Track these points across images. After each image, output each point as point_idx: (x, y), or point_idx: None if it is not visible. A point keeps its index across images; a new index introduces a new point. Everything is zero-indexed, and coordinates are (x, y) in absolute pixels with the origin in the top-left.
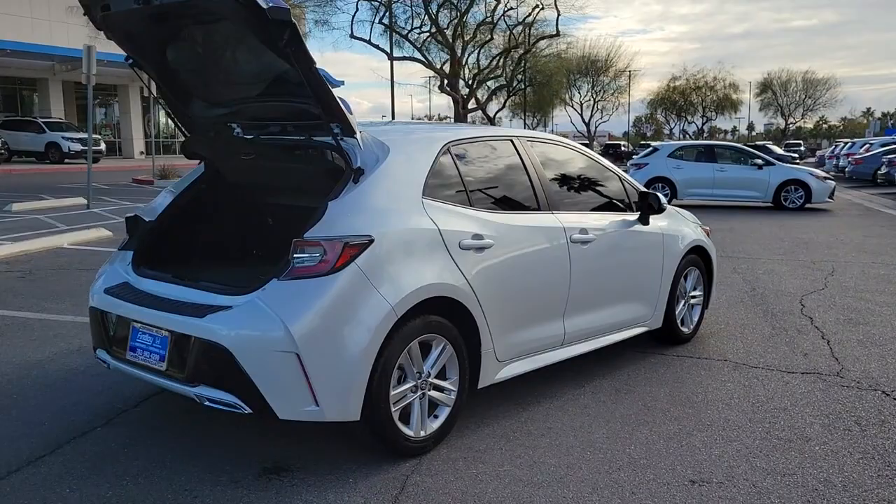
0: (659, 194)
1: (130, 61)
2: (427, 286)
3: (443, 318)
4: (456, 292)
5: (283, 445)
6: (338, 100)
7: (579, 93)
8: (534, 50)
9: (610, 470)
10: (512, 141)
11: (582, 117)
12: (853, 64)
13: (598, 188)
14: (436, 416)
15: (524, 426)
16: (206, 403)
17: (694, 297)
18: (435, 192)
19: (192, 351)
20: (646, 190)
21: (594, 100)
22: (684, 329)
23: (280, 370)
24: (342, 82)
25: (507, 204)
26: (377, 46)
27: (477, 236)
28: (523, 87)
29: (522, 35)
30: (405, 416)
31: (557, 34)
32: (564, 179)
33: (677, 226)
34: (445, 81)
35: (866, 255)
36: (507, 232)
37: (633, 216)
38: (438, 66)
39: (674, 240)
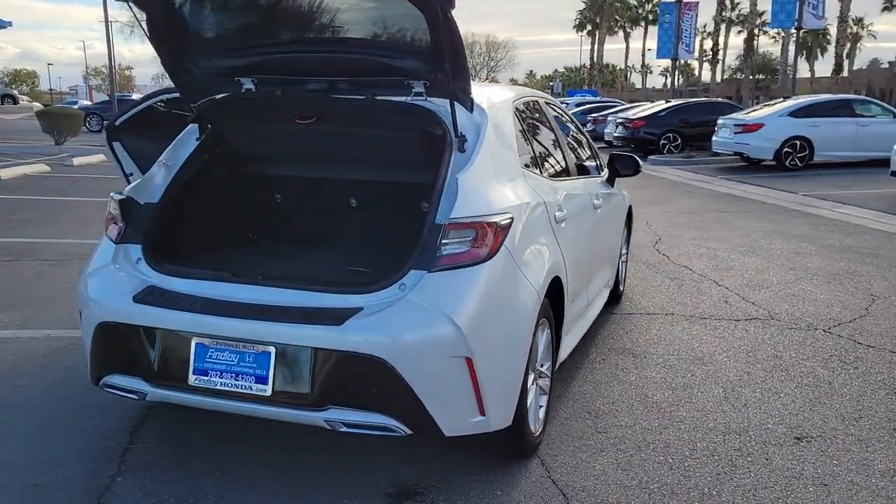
0: (634, 156)
1: None
2: (552, 266)
3: (549, 300)
4: (560, 270)
5: (390, 464)
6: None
7: None
8: None
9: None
10: (537, 100)
11: None
12: (512, 29)
13: (581, 149)
14: (540, 406)
15: (600, 425)
16: (343, 429)
17: (622, 253)
18: (521, 160)
19: (323, 367)
20: (618, 153)
21: None
22: (621, 287)
23: (448, 379)
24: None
25: (556, 170)
26: None
27: (559, 207)
28: None
29: None
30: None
31: None
32: (568, 142)
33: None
34: None
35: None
36: (567, 201)
37: (604, 178)
38: None
39: (624, 200)
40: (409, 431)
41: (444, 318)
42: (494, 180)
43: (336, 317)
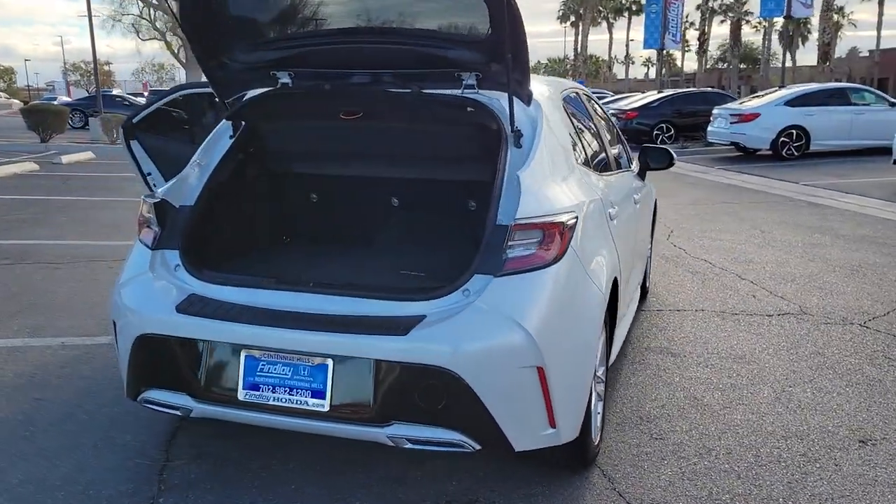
0: (668, 149)
1: None
2: (612, 266)
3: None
4: (617, 270)
5: (441, 478)
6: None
7: None
8: None
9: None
10: (578, 92)
11: None
12: None
13: (615, 142)
14: (597, 413)
15: (654, 430)
16: (407, 446)
17: (649, 248)
18: (573, 155)
19: (387, 380)
20: (651, 145)
21: None
22: (647, 282)
23: (519, 390)
24: None
25: (601, 164)
26: None
27: (611, 203)
28: None
29: None
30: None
31: None
32: (605, 134)
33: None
34: None
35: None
36: (615, 196)
37: (635, 171)
38: None
39: (652, 194)
40: (478, 447)
41: (515, 326)
42: (554, 177)
43: (399, 326)
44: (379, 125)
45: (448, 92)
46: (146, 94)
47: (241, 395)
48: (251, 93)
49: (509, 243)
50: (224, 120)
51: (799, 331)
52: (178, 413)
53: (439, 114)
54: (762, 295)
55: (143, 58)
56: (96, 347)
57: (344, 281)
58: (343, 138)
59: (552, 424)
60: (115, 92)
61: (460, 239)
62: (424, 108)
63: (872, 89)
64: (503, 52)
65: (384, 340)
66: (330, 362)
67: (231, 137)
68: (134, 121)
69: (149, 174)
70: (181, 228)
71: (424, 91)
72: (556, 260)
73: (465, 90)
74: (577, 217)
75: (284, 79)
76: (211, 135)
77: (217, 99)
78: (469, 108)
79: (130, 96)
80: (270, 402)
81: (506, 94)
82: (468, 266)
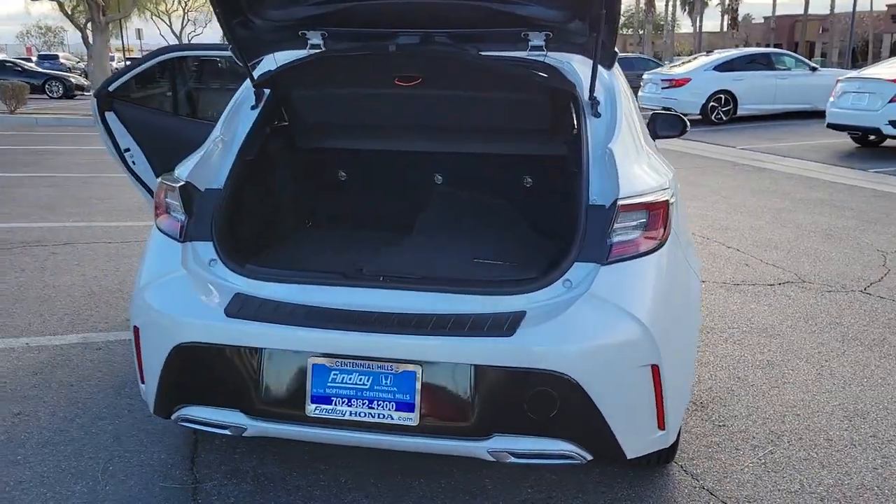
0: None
1: None
2: (693, 247)
3: None
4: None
5: (509, 484)
6: None
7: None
8: None
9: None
10: None
11: (171, 28)
12: None
13: None
14: None
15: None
16: (511, 461)
17: None
18: None
19: (488, 388)
20: (661, 112)
21: (183, 9)
22: None
23: (634, 391)
24: None
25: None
26: None
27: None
28: None
29: None
30: None
31: None
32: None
33: None
34: None
35: None
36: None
37: None
38: None
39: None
40: (590, 458)
41: (632, 321)
42: (638, 150)
43: (501, 325)
44: (430, 93)
45: (516, 54)
46: (33, 59)
47: (310, 409)
48: (274, 57)
49: (615, 226)
50: (245, 88)
51: (806, 300)
52: (227, 433)
53: (505, 79)
54: (755, 263)
55: (30, 20)
56: (69, 349)
57: (418, 273)
58: (385, 109)
59: (661, 426)
60: (60, 56)
61: (514, 220)
62: (489, 72)
63: (794, 54)
64: (591, 7)
65: (487, 343)
66: (418, 369)
67: (253, 108)
68: (110, 89)
69: (127, 150)
70: (212, 216)
71: (489, 54)
72: (662, 244)
73: (532, 52)
74: (674, 194)
75: (315, 39)
76: (230, 106)
77: (238, 63)
78: (541, 73)
79: (24, 61)
80: (346, 417)
81: (576, 56)
82: (564, 251)
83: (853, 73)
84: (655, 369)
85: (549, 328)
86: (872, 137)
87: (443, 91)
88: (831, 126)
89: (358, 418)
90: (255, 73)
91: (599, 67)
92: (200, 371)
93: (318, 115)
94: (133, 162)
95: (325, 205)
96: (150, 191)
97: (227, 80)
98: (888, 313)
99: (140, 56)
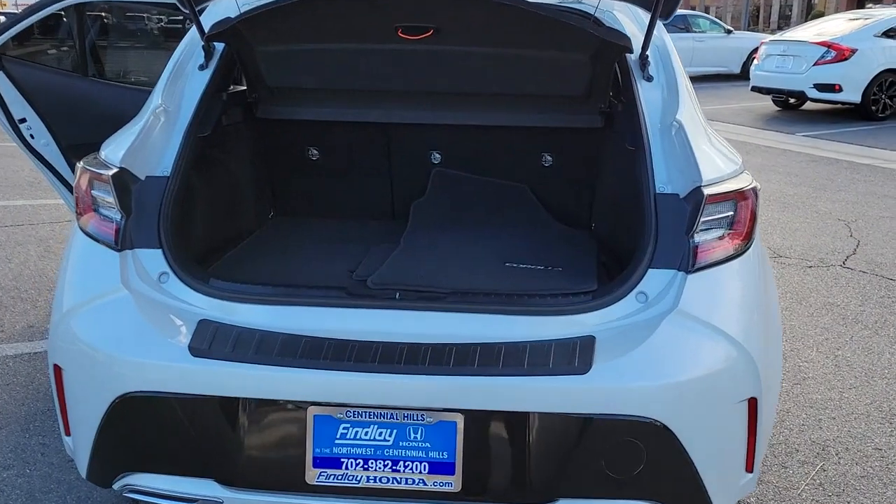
0: None
1: None
2: None
3: None
4: None
5: None
6: None
7: None
8: None
9: None
10: None
11: None
12: None
13: None
14: None
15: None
16: None
17: None
18: None
19: (552, 441)
20: None
21: None
22: None
23: (727, 432)
24: None
25: None
26: None
27: None
28: None
29: None
30: None
31: None
32: None
33: None
34: None
35: None
36: None
37: None
38: None
39: None
40: None
41: (730, 346)
42: (705, 124)
43: (568, 356)
44: (442, 48)
45: (547, 1)
46: None
47: (311, 475)
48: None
49: (701, 221)
50: (189, 42)
51: (791, 278)
52: None
53: (545, 29)
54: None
55: None
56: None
57: (443, 285)
58: (380, 69)
59: (749, 468)
60: None
61: (534, 208)
62: (527, 20)
63: (709, 16)
64: None
65: (552, 383)
66: (459, 419)
67: (202, 69)
68: None
69: (22, 121)
70: (159, 213)
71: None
72: (749, 244)
73: None
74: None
75: None
76: (171, 66)
77: (182, 8)
78: (582, 24)
79: None
80: (362, 484)
81: (615, 3)
82: (639, 256)
83: (777, 36)
84: (753, 403)
85: (631, 359)
86: (793, 101)
87: (459, 46)
88: (755, 89)
89: (378, 484)
90: (205, 22)
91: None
92: (155, 428)
93: (290, 76)
94: (31, 136)
95: (297, 192)
96: (55, 172)
97: (151, 33)
98: (877, 290)
99: (15, 9)
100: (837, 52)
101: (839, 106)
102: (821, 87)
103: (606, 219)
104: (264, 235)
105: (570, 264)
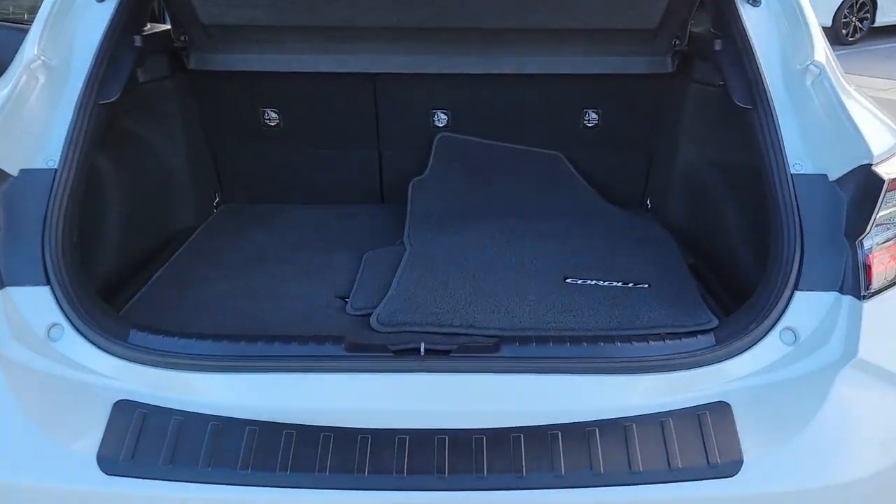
0: None
1: None
2: None
3: None
4: None
5: None
6: None
7: None
8: None
9: None
10: None
11: None
12: None
13: None
14: None
15: None
16: None
17: None
18: None
19: None
20: None
21: None
22: None
23: None
24: None
25: None
26: None
27: None
28: None
29: None
30: None
31: None
32: None
33: None
34: None
35: None
36: None
37: None
38: None
39: None
40: None
41: None
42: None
43: (695, 445)
44: None
45: None
46: None
47: None
48: None
49: (880, 216)
50: None
51: None
52: None
53: None
54: None
55: None
56: None
57: (486, 325)
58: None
59: None
60: None
61: (572, 183)
62: None
63: None
64: None
65: (679, 492)
66: None
67: (100, 0)
68: None
69: None
70: (44, 228)
71: None
72: None
73: None
74: None
75: None
76: (46, 3)
77: None
78: None
79: None
80: None
81: None
82: (774, 270)
83: None
84: None
85: (800, 444)
86: None
87: None
88: None
89: None
90: None
91: None
92: None
93: (234, 8)
94: None
95: (251, 171)
96: None
97: None
98: None
99: None
100: None
101: None
102: None
103: (676, 198)
104: (209, 237)
105: (656, 276)
